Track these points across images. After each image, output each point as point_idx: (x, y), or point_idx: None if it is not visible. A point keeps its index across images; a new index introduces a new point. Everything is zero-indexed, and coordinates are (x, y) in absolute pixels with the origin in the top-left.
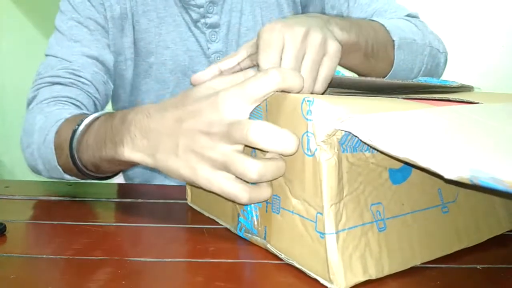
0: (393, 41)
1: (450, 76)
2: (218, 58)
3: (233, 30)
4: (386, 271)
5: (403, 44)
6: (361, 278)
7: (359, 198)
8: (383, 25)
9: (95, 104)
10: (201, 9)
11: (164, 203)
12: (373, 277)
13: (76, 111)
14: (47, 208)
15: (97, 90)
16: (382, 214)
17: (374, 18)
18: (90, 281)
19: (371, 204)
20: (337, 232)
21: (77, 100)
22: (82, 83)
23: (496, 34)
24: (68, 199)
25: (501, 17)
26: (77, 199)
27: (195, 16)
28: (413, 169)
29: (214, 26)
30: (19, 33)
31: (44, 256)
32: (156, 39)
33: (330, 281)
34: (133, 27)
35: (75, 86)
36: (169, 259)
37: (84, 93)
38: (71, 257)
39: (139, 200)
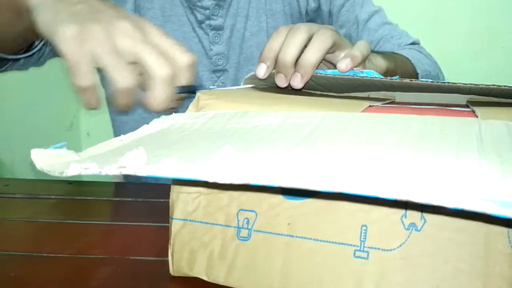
0: (417, 74)
1: (450, 77)
2: (220, 60)
3: (237, 34)
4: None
5: (423, 77)
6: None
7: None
8: (408, 58)
9: None
10: (207, 11)
11: (164, 202)
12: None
13: None
14: (47, 207)
15: None
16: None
17: (384, 45)
18: (90, 280)
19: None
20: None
21: None
22: None
23: (496, 35)
24: (68, 197)
25: (501, 19)
26: (77, 197)
27: (200, 17)
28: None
29: (218, 29)
30: None
31: (44, 254)
32: None
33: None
34: None
35: None
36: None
37: None
38: (71, 255)
39: (139, 199)
